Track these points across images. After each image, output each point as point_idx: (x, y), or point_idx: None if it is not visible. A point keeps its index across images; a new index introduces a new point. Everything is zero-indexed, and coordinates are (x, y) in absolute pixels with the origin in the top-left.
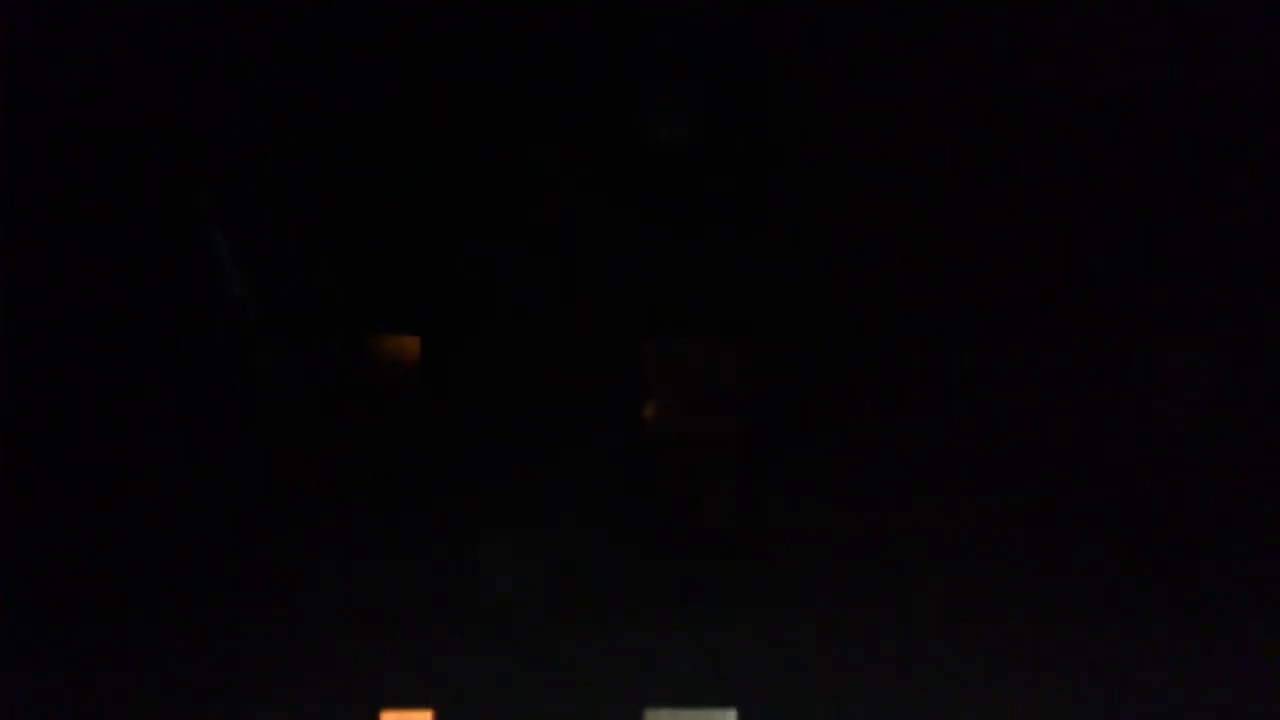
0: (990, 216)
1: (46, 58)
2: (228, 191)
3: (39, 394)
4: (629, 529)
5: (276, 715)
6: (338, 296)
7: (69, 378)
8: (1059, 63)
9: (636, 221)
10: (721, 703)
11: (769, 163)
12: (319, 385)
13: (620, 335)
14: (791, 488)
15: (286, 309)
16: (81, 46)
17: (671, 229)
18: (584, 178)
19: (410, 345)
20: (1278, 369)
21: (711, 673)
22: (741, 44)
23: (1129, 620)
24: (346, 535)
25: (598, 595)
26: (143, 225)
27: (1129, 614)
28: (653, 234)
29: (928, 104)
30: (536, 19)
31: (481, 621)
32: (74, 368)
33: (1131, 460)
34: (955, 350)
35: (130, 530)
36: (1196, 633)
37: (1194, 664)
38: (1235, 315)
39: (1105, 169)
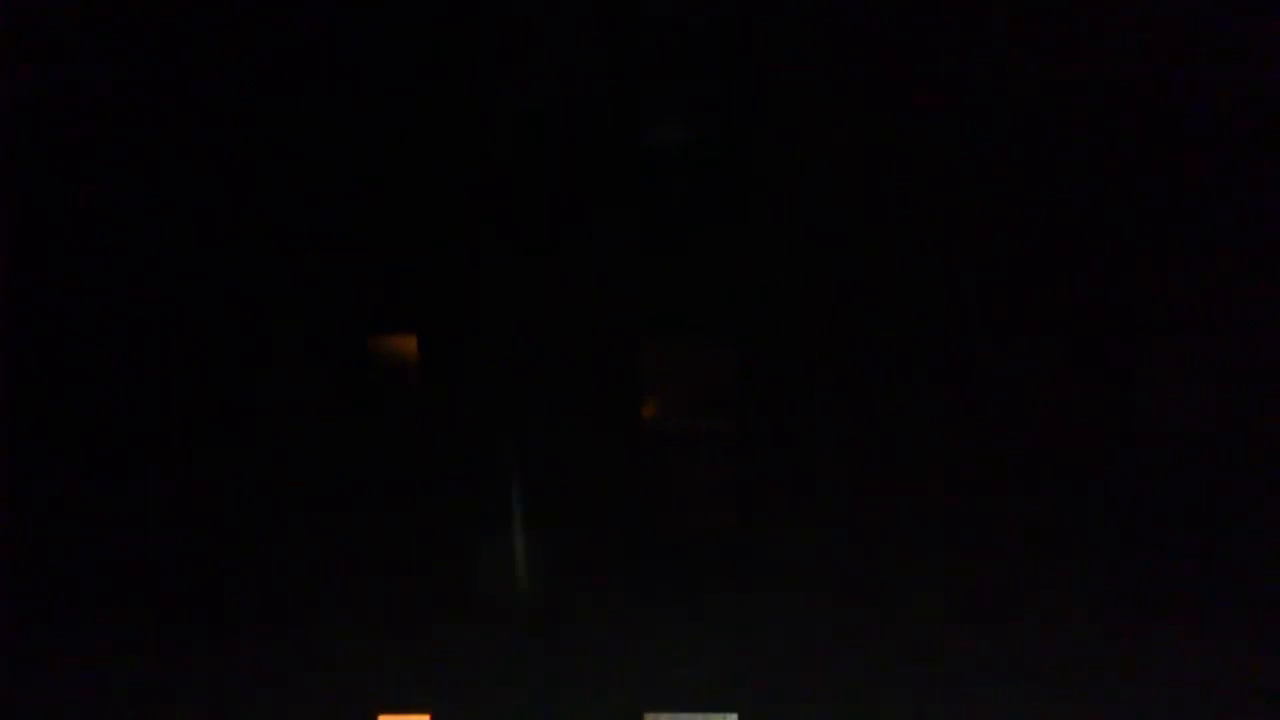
0: (986, 217)
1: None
2: (228, 191)
3: (38, 395)
4: (628, 528)
5: (275, 718)
6: (337, 296)
7: (69, 379)
8: (1054, 63)
9: (636, 221)
10: (722, 707)
11: (767, 163)
12: (318, 385)
13: (620, 335)
14: (790, 485)
15: (286, 309)
16: (75, 46)
17: (671, 229)
18: (584, 178)
19: (409, 344)
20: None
21: (711, 676)
22: (740, 46)
23: (1125, 616)
24: (345, 538)
25: (597, 597)
26: (142, 225)
27: (1125, 610)
28: (653, 234)
29: (923, 105)
30: (537, 20)
31: (479, 624)
32: (73, 368)
33: (1129, 459)
34: (949, 350)
35: (129, 532)
36: (1196, 633)
37: (1193, 664)
38: (1235, 315)
39: (1100, 169)
